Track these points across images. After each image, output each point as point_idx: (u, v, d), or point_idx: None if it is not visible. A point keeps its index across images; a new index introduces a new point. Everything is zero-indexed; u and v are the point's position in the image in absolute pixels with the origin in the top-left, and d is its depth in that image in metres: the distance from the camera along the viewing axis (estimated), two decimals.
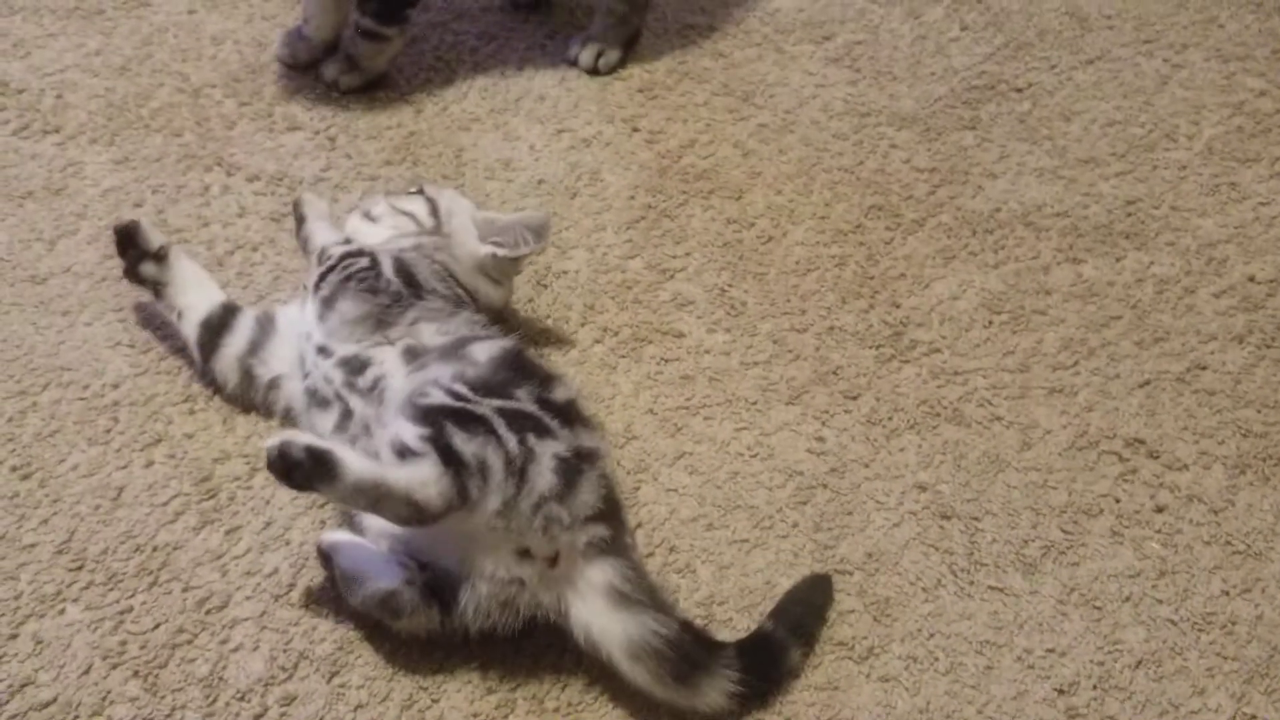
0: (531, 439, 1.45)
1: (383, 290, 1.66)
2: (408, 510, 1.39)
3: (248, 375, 1.72)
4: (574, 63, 2.30)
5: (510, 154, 2.15)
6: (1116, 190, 2.14)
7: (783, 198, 2.10)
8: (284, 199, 2.05)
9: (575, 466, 1.46)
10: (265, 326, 1.72)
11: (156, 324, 1.86)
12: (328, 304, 1.66)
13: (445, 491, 1.39)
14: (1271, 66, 2.35)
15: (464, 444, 1.42)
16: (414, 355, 1.59)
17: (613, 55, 2.31)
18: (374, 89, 2.25)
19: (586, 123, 2.21)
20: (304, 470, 1.38)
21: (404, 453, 1.43)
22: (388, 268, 1.68)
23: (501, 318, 1.81)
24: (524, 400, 1.50)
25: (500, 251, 1.74)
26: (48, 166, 2.08)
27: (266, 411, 1.73)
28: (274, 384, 1.71)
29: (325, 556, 1.56)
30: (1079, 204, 2.11)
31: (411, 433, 1.44)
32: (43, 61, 2.25)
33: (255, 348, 1.71)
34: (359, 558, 1.51)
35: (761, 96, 2.27)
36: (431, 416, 1.45)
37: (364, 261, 1.69)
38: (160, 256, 1.77)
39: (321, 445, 1.40)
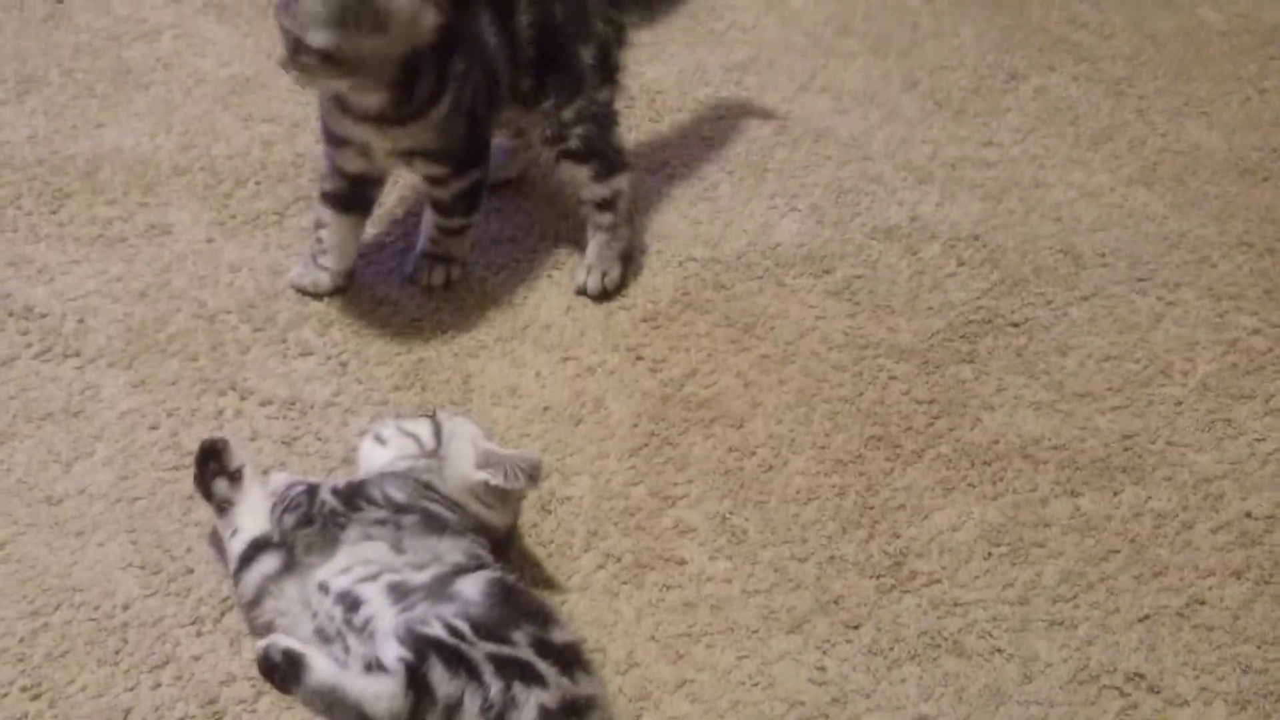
0: (518, 686, 1.47)
1: (316, 514, 1.72)
2: None
3: (258, 599, 1.72)
4: (582, 291, 2.36)
5: (517, 380, 2.19)
6: (1113, 424, 2.17)
7: (783, 427, 2.13)
8: (296, 423, 2.08)
9: (561, 717, 1.46)
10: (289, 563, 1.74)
11: (167, 546, 1.88)
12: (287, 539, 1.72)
13: (397, 712, 1.41)
14: (1264, 305, 2.41)
15: (441, 680, 1.44)
16: (401, 594, 1.61)
17: (614, 273, 2.39)
18: (385, 320, 2.29)
19: (591, 351, 2.25)
20: (280, 671, 1.42)
21: (372, 666, 1.46)
22: (328, 491, 1.76)
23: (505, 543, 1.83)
24: (520, 644, 1.52)
25: (492, 481, 1.77)
26: (67, 389, 2.11)
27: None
28: (268, 623, 1.72)
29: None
30: (1076, 437, 2.14)
31: (393, 652, 1.46)
32: (66, 287, 2.30)
33: (279, 576, 1.72)
34: None
35: (762, 328, 2.31)
36: (420, 644, 1.47)
37: (299, 489, 1.76)
38: (235, 477, 1.82)
39: (298, 648, 1.44)
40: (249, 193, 2.54)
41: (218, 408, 2.11)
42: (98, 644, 1.76)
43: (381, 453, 1.84)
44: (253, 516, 1.80)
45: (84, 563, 1.86)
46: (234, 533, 1.79)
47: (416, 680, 1.44)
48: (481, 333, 2.29)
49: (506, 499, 1.82)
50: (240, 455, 1.84)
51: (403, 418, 1.91)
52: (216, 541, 1.86)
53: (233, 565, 1.78)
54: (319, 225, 2.31)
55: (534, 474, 1.79)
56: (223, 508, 1.82)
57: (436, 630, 1.51)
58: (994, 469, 2.08)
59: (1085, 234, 2.58)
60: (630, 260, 2.42)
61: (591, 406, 2.15)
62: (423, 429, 1.85)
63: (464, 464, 1.79)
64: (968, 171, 2.73)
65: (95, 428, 2.06)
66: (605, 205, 2.40)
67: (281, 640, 1.50)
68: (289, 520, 1.74)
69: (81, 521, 1.91)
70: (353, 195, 2.29)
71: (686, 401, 2.17)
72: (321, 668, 1.47)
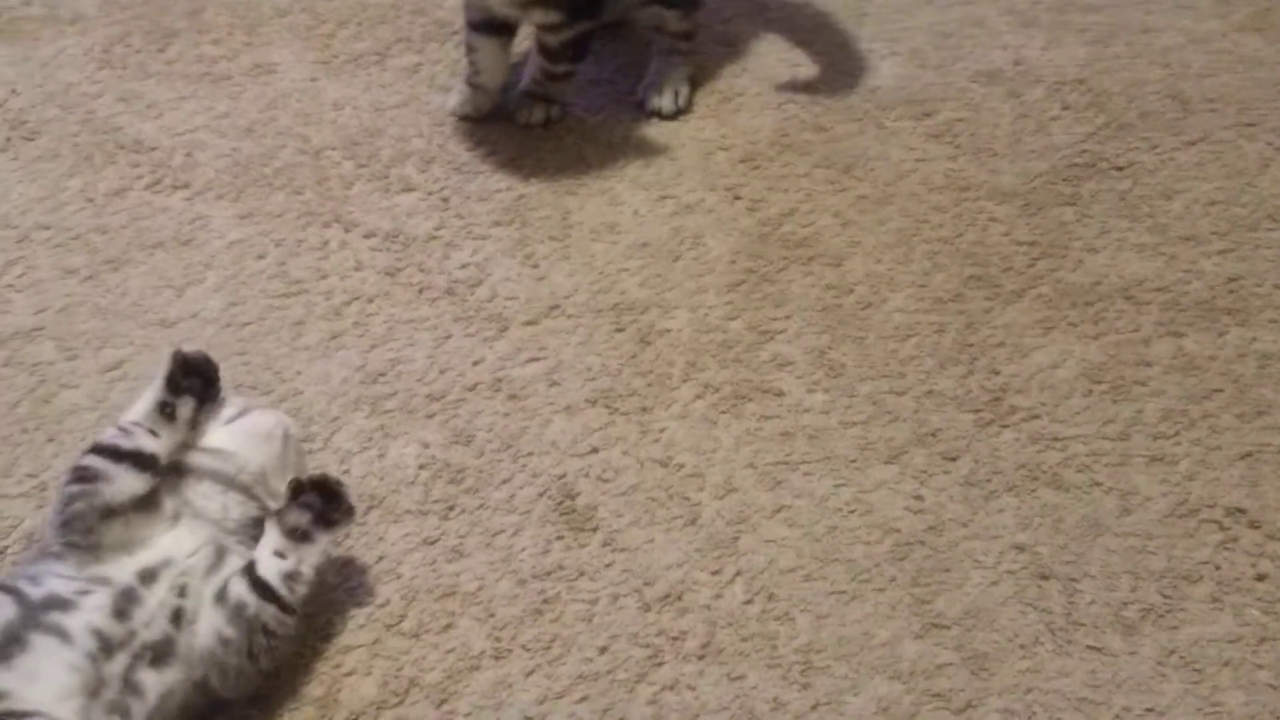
0: None
1: None
2: None
3: None
4: (656, 113, 2.38)
5: (615, 218, 2.20)
6: (1218, 267, 2.14)
7: (882, 266, 2.13)
8: (398, 254, 2.11)
9: None
10: None
11: (277, 369, 1.92)
12: None
13: None
14: None
15: None
16: None
17: (685, 91, 2.43)
18: (485, 158, 2.30)
19: (689, 190, 2.25)
20: None
21: None
22: None
23: None
24: None
25: None
26: (177, 219, 2.15)
27: None
28: None
29: None
30: (1180, 280, 2.12)
31: None
32: (174, 122, 2.34)
33: None
34: None
35: (861, 169, 2.30)
36: None
37: None
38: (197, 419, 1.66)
39: None
40: (350, 34, 2.56)
41: (322, 239, 2.14)
42: None
43: None
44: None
45: None
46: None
47: None
48: (580, 171, 2.29)
49: None
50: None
51: None
52: (324, 363, 1.90)
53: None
54: (470, 50, 2.36)
55: None
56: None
57: None
58: (1095, 309, 2.07)
59: (1193, 79, 2.54)
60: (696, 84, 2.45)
61: (690, 243, 2.16)
62: None
63: None
64: (1074, 16, 2.68)
65: (205, 256, 2.10)
66: (686, 36, 2.45)
67: None
68: None
69: (194, 344, 1.94)
70: (494, 21, 2.33)
71: (784, 240, 2.17)
72: None
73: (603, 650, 1.63)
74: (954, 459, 1.86)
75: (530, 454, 1.85)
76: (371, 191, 2.22)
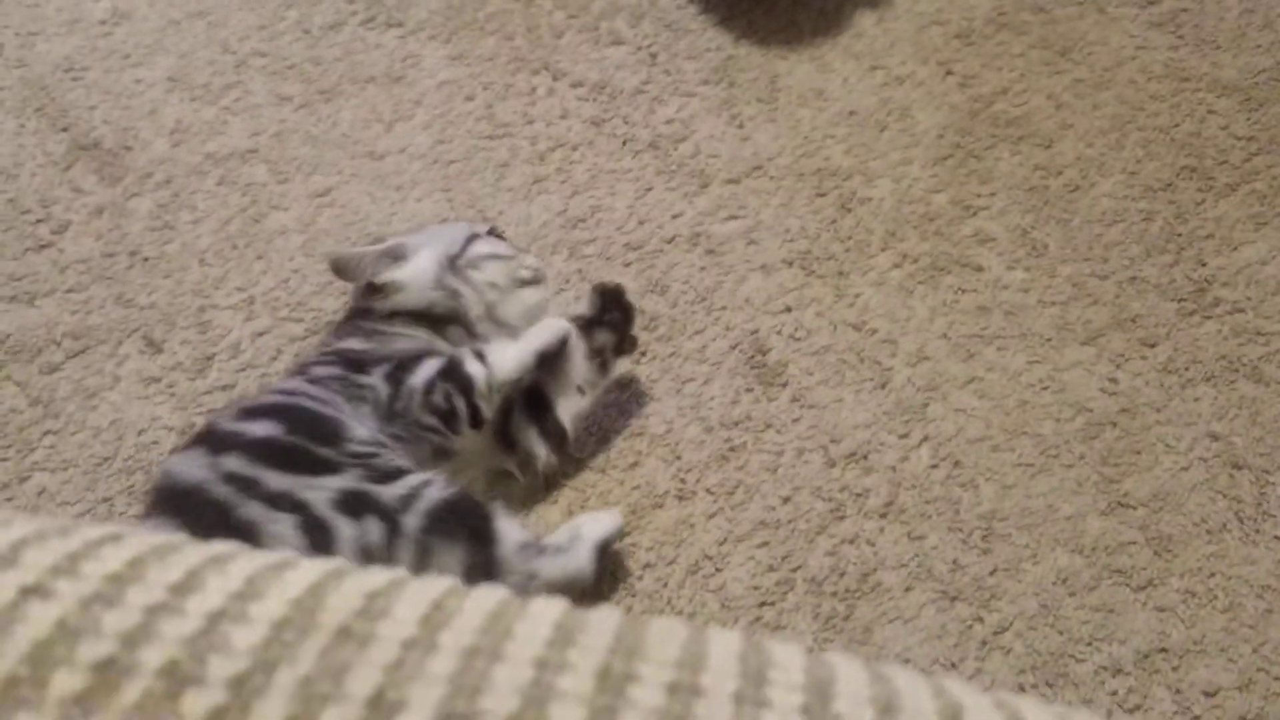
0: None
1: None
2: None
3: None
4: None
5: (823, 85, 2.19)
6: None
7: (1093, 150, 2.09)
8: (605, 106, 2.12)
9: None
10: None
11: (481, 207, 1.95)
12: None
13: None
14: None
15: None
16: None
17: None
18: (695, 16, 2.30)
19: (901, 62, 2.23)
20: None
21: None
22: None
23: None
24: None
25: None
26: (390, 56, 2.19)
27: None
28: None
29: None
30: None
31: None
32: None
33: None
34: None
35: (1079, 53, 2.26)
36: None
37: None
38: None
39: None
40: None
41: (531, 85, 2.16)
42: None
43: None
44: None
45: (402, 214, 1.94)
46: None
47: None
48: (791, 36, 2.28)
49: None
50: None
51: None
52: (526, 205, 1.93)
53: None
54: None
55: None
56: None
57: None
58: None
59: None
60: None
61: (898, 115, 2.14)
62: None
63: None
64: None
65: (415, 94, 2.13)
66: None
67: None
68: None
69: (401, 178, 1.99)
70: None
71: (995, 118, 2.14)
72: None
73: (785, 500, 1.65)
74: (1153, 345, 1.83)
75: (724, 308, 1.86)
76: (581, 42, 2.23)
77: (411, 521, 1.37)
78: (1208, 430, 1.73)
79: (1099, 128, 2.13)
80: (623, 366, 1.71)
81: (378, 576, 0.61)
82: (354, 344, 1.58)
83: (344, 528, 1.35)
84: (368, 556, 1.35)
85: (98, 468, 1.66)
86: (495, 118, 2.09)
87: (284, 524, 1.33)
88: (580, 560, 1.47)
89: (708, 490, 1.65)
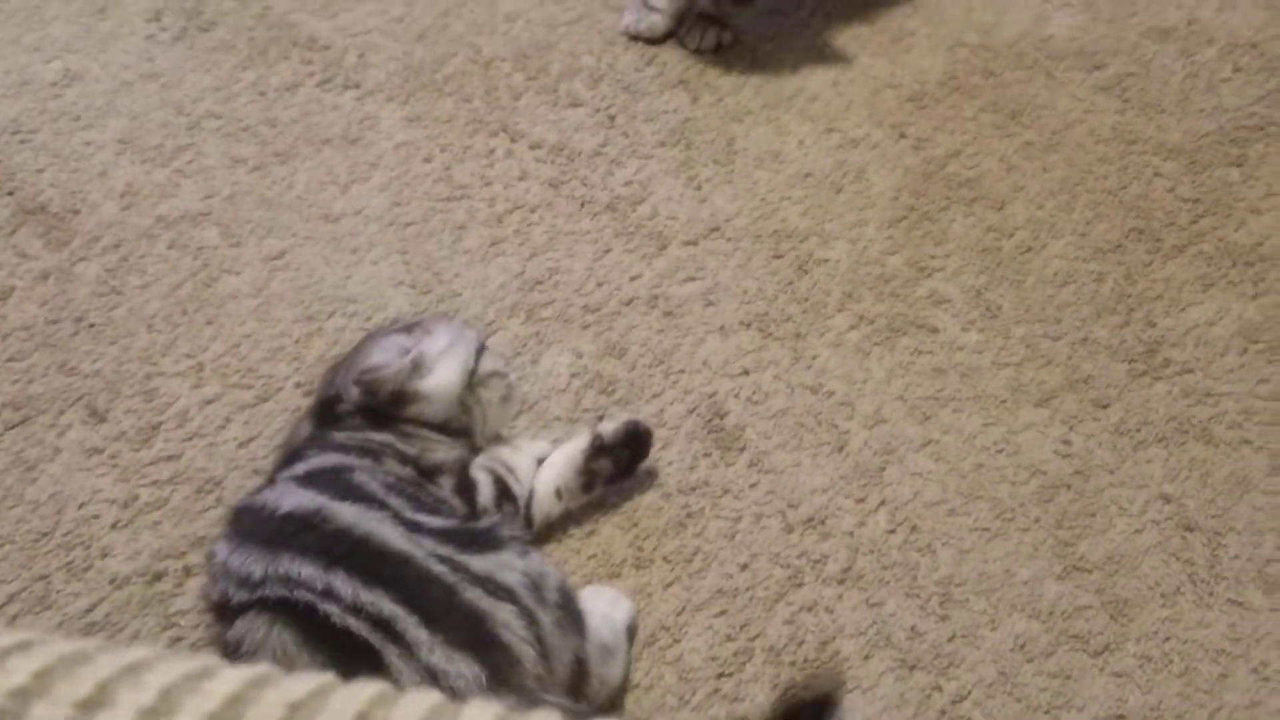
0: None
1: None
2: None
3: None
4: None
5: (780, 147, 2.21)
6: None
7: (1044, 212, 2.12)
8: (563, 167, 2.13)
9: None
10: None
11: (437, 269, 1.95)
12: None
13: None
14: None
15: None
16: None
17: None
18: (653, 79, 2.32)
19: (856, 125, 2.26)
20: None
21: None
22: None
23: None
24: None
25: None
26: (347, 118, 2.19)
27: None
28: None
29: None
30: None
31: None
32: (349, 23, 2.38)
33: None
34: None
35: (1029, 116, 2.29)
36: None
37: None
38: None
39: None
40: None
41: (489, 147, 2.17)
42: None
43: None
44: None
45: (357, 277, 1.94)
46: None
47: None
48: (747, 98, 2.30)
49: None
50: None
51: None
52: (483, 268, 1.93)
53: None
54: None
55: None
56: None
57: None
58: (1256, 270, 2.05)
59: None
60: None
61: (853, 177, 2.16)
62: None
63: None
64: None
65: (372, 155, 2.14)
66: None
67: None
68: None
69: (357, 240, 1.99)
70: None
71: (948, 180, 2.16)
72: None
73: (743, 567, 1.65)
74: (1105, 406, 1.85)
75: (682, 371, 1.87)
76: (539, 104, 2.25)
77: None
78: (1160, 492, 1.75)
79: (1049, 189, 2.16)
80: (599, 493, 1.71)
81: (301, 685, 0.59)
82: (399, 443, 1.56)
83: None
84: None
85: (35, 543, 1.64)
86: (453, 179, 2.10)
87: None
88: (627, 658, 1.51)
89: (665, 558, 1.65)
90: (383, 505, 1.39)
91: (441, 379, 1.58)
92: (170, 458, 1.72)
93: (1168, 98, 2.35)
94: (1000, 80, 2.36)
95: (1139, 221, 2.11)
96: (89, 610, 1.55)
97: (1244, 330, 1.95)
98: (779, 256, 2.02)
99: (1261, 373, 1.90)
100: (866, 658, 1.56)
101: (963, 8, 2.52)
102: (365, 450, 1.51)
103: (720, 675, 1.54)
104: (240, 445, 1.73)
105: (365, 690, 0.58)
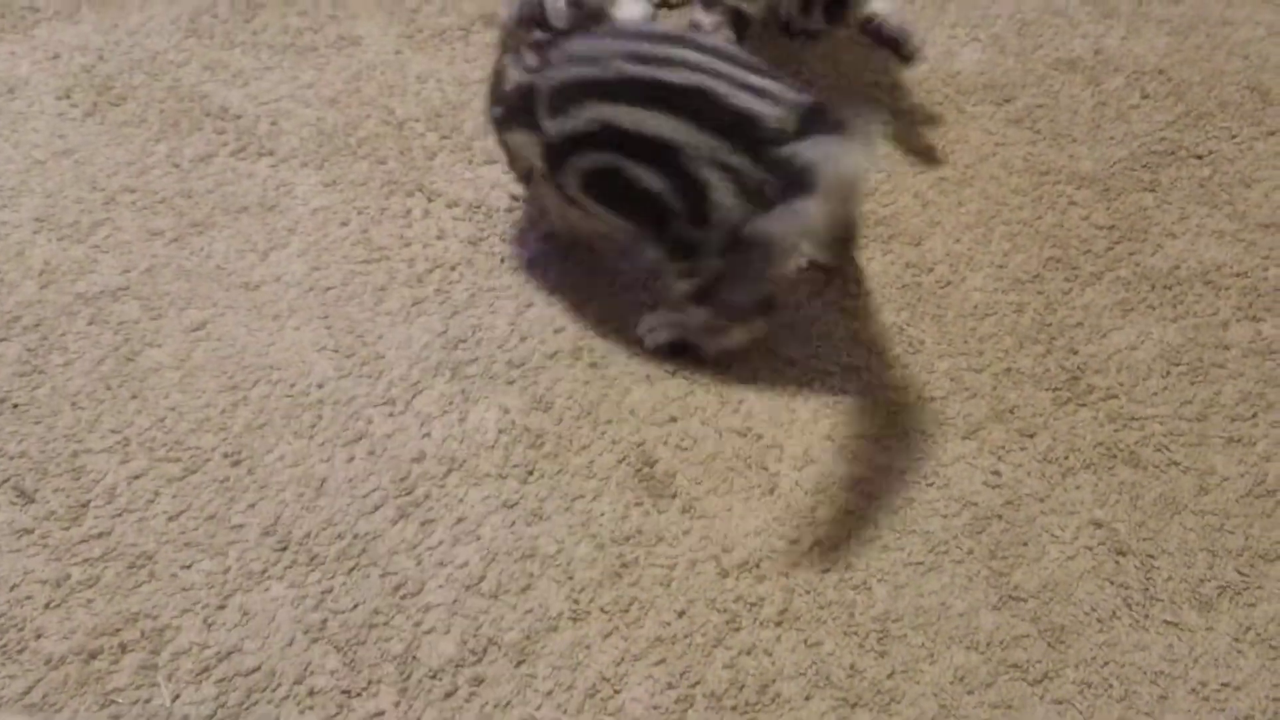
0: None
1: None
2: None
3: None
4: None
5: None
6: None
7: (961, 246, 2.13)
8: (481, 224, 2.13)
9: None
10: None
11: (360, 332, 1.94)
12: None
13: None
14: None
15: None
16: None
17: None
18: None
19: None
20: None
21: None
22: None
23: None
24: None
25: None
26: (262, 185, 2.18)
27: None
28: None
29: None
30: (1259, 266, 2.12)
31: None
32: (259, 91, 2.37)
33: None
34: None
35: (941, 152, 2.31)
36: None
37: None
38: None
39: None
40: (435, 8, 2.58)
41: (406, 208, 2.16)
42: (294, 418, 1.83)
43: None
44: None
45: (280, 344, 1.93)
46: None
47: None
48: None
49: None
50: None
51: None
52: (406, 328, 1.92)
53: None
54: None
55: None
56: None
57: None
58: (1174, 293, 2.07)
59: (1272, 71, 2.53)
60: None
61: None
62: None
63: None
64: (1153, 7, 2.69)
65: (289, 221, 2.13)
66: None
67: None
68: None
69: (278, 306, 1.98)
70: None
71: (864, 218, 2.17)
72: None
73: (680, 614, 1.65)
74: (1031, 435, 1.86)
75: (609, 421, 1.86)
76: (455, 162, 2.25)
77: None
78: (1090, 518, 1.76)
79: (965, 223, 2.17)
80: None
81: None
82: None
83: None
84: None
85: None
86: (371, 241, 2.09)
87: None
88: None
89: (602, 609, 1.64)
90: None
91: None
92: (100, 535, 1.70)
93: (1078, 127, 2.38)
94: (911, 119, 2.37)
95: (1056, 250, 2.13)
96: (25, 692, 1.53)
97: (1165, 353, 1.97)
98: None
99: (1185, 394, 1.92)
100: (808, 698, 1.55)
101: (865, 45, 2.53)
102: None
103: None
104: (170, 519, 1.71)
105: None
